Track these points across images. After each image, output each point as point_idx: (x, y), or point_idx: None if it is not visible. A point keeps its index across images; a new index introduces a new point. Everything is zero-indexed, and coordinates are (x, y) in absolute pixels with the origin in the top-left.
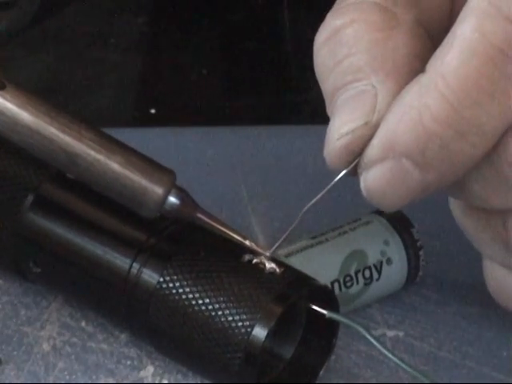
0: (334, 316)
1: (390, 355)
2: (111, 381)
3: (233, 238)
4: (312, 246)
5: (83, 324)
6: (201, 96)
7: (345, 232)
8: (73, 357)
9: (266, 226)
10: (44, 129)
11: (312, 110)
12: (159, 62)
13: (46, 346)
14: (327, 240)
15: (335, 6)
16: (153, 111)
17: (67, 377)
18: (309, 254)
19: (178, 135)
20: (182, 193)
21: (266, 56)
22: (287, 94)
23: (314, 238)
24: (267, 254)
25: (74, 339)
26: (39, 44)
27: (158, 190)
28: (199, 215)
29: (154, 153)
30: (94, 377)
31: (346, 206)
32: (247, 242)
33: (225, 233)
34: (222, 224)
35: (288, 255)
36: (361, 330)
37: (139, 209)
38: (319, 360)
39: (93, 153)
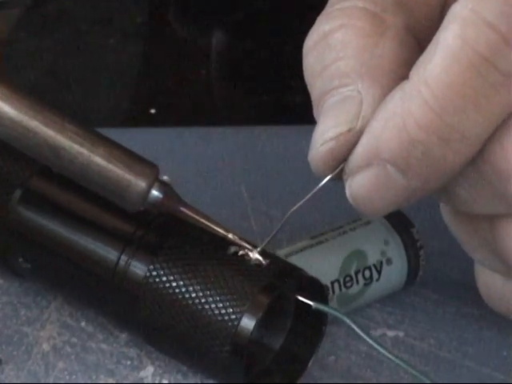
0: (321, 307)
1: (376, 345)
2: (111, 381)
3: (216, 231)
4: (312, 246)
5: (83, 324)
6: (201, 96)
7: (345, 232)
8: (73, 357)
9: (265, 226)
10: (27, 121)
11: (312, 110)
12: (159, 62)
13: (45, 346)
14: (327, 240)
15: (325, 11)
16: (153, 111)
17: (67, 377)
18: (309, 254)
19: (177, 135)
20: (165, 186)
21: (267, 56)
22: (287, 94)
23: (313, 237)
24: (250, 247)
25: (74, 339)
26: (38, 44)
27: (142, 183)
28: (182, 209)
29: (154, 153)
30: (94, 377)
31: (345, 206)
32: (230, 236)
33: (208, 226)
34: (206, 217)
35: (288, 255)
36: (347, 320)
37: (122, 202)
38: (308, 350)
39: (76, 146)
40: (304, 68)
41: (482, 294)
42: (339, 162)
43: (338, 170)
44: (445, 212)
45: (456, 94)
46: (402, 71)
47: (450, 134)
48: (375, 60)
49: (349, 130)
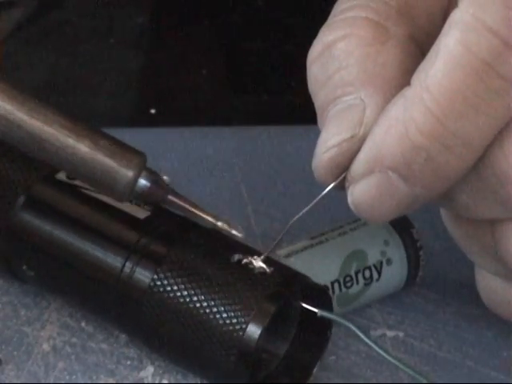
0: (326, 314)
1: (381, 352)
2: (111, 381)
3: (205, 219)
4: (312, 246)
5: (83, 324)
6: (201, 96)
7: (345, 232)
8: (73, 357)
9: (266, 226)
10: (11, 114)
11: (312, 110)
12: (159, 62)
13: (46, 346)
14: (327, 240)
15: (327, 22)
16: (153, 111)
17: (67, 377)
18: (309, 254)
19: (178, 135)
20: (153, 175)
21: (267, 56)
22: (287, 94)
23: (313, 238)
24: (239, 234)
25: (74, 339)
26: (38, 45)
27: (129, 173)
28: (170, 197)
29: (155, 153)
30: (94, 377)
31: (346, 206)
32: (219, 223)
33: (196, 215)
34: (194, 205)
35: (288, 255)
36: (352, 327)
37: (110, 192)
38: (313, 357)
39: (61, 137)
40: (308, 79)
41: (482, 297)
42: (342, 170)
43: (340, 178)
44: (445, 216)
45: (458, 100)
46: (405, 79)
47: (452, 139)
48: (378, 68)
49: (351, 137)
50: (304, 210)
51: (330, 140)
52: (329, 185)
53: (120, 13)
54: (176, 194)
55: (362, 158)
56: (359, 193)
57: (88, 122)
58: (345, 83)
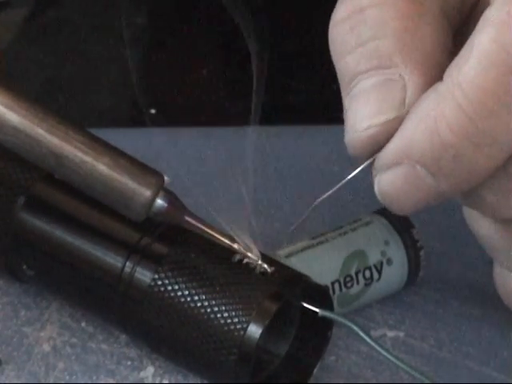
0: (327, 314)
1: (383, 352)
2: (111, 381)
3: (221, 241)
4: (312, 246)
5: (83, 324)
6: (201, 96)
7: (345, 232)
8: (73, 357)
9: (266, 226)
10: (31, 130)
11: (312, 110)
12: (159, 62)
13: (46, 347)
14: (327, 240)
15: None
16: (153, 111)
17: (67, 377)
18: (309, 254)
19: (177, 135)
20: (170, 195)
21: (267, 56)
22: (287, 94)
23: (314, 238)
24: (255, 257)
25: (74, 340)
26: (38, 45)
27: (146, 193)
28: (187, 218)
29: (154, 153)
30: (94, 377)
31: (346, 206)
32: (235, 246)
33: (213, 236)
34: (210, 227)
35: (288, 255)
36: (354, 327)
37: (127, 211)
38: (314, 357)
39: (80, 154)
40: (331, 40)
41: (501, 295)
42: (379, 149)
43: (368, 162)
44: (469, 214)
45: (490, 98)
46: (441, 57)
47: (482, 138)
48: (417, 44)
49: (396, 118)
50: (332, 190)
51: (372, 117)
52: (362, 162)
53: (120, 12)
54: (192, 215)
55: (392, 148)
56: (386, 182)
57: (88, 122)
58: (381, 54)
